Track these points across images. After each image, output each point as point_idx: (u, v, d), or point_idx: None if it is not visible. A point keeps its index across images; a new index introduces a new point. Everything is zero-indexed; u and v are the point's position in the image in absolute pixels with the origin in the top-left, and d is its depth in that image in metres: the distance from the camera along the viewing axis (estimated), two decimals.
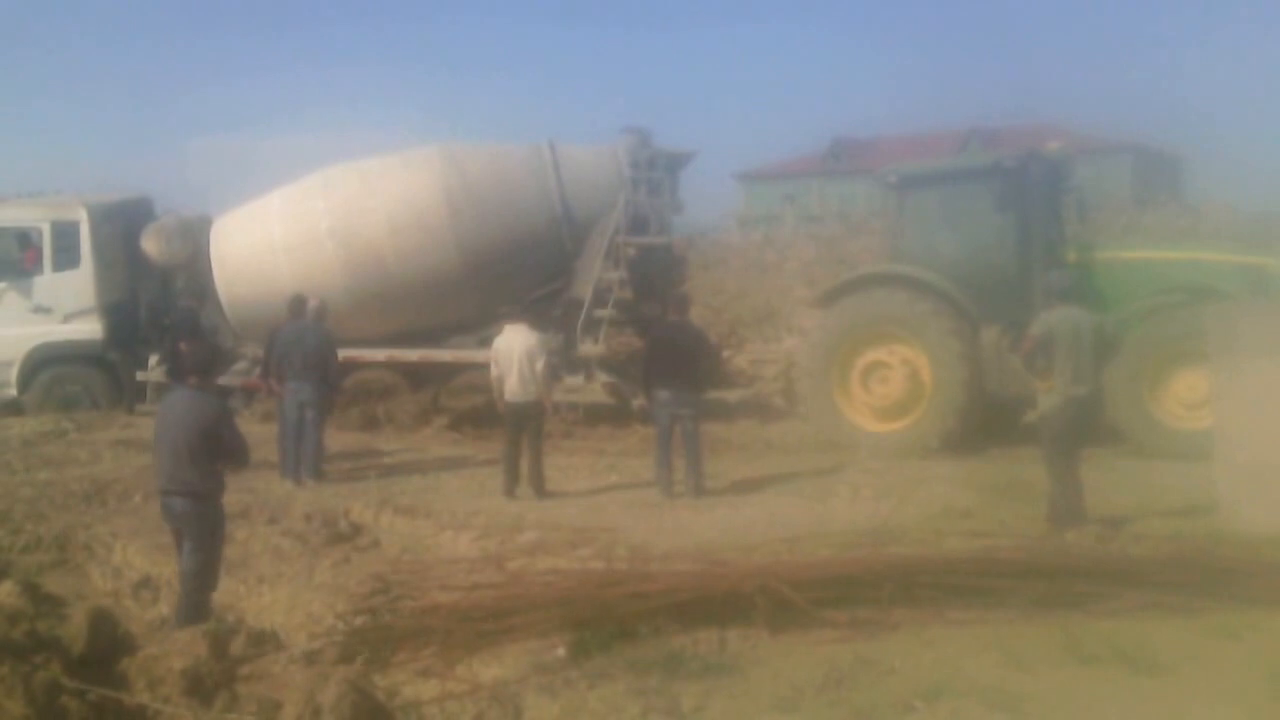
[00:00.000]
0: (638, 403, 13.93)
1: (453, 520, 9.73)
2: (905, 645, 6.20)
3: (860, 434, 12.69)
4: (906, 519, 9.33)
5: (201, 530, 7.01)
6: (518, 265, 14.82)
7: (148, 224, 16.22)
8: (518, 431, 10.84)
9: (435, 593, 7.41)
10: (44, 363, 16.07)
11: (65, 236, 16.02)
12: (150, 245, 15.89)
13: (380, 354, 15.10)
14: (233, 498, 8.13)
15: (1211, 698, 5.44)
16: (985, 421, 12.57)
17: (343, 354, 14.40)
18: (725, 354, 16.47)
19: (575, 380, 14.74)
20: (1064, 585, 6.79)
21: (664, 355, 10.85)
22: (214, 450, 6.92)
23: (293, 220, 14.96)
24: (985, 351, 12.28)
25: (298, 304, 12.27)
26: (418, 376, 15.15)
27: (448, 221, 14.52)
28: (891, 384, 12.63)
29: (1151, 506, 9.08)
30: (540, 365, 10.74)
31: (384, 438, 14.38)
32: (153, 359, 15.79)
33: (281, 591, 7.87)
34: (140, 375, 15.82)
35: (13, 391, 16.12)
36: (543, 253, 15.04)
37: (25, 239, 16.26)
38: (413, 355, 15.00)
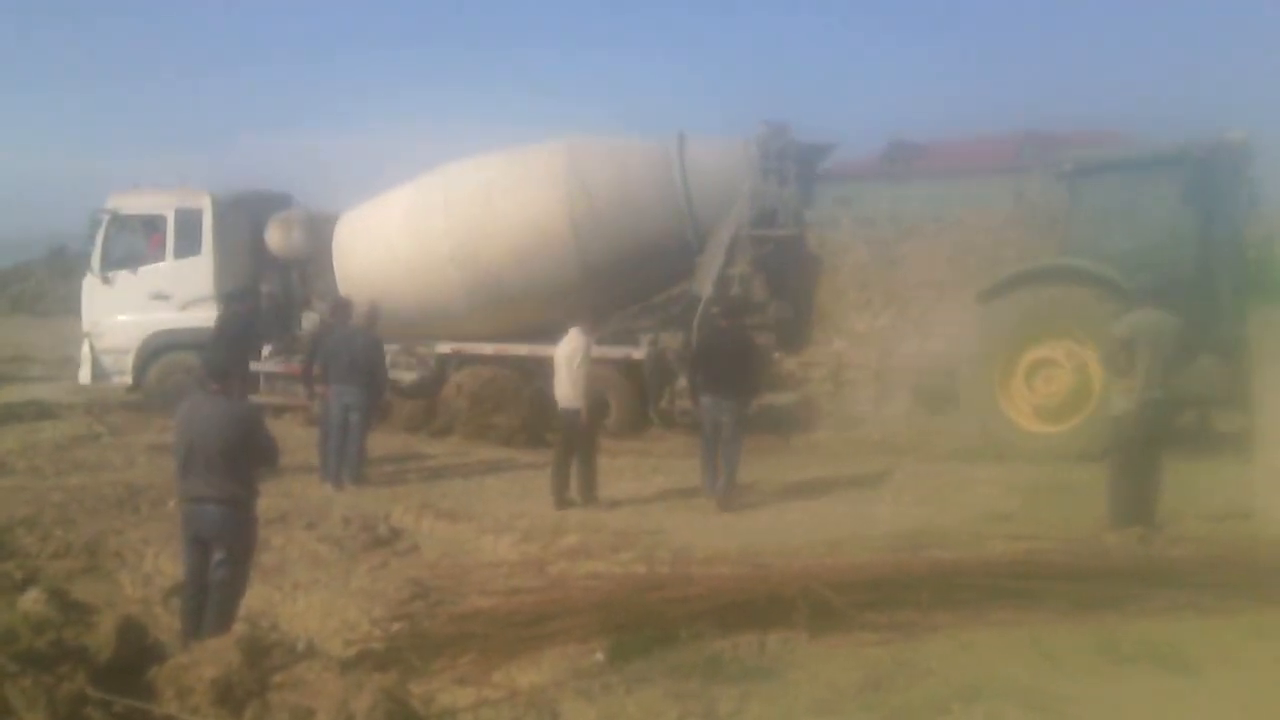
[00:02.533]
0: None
1: (494, 524, 9.74)
2: (943, 647, 6.25)
3: (1019, 434, 12.17)
4: (948, 522, 9.33)
5: (236, 539, 6.80)
6: (641, 268, 14.45)
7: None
8: (568, 437, 10.89)
9: (474, 598, 7.46)
10: (160, 350, 16.18)
11: (188, 225, 16.25)
12: (273, 237, 16.08)
13: (488, 348, 14.95)
14: (270, 502, 8.13)
15: (1245, 698, 5.49)
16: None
17: (449, 347, 14.98)
18: (775, 356, 15.98)
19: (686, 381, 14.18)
20: (1102, 587, 6.84)
21: (711, 360, 10.85)
22: (250, 456, 6.80)
23: (413, 238, 14.78)
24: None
25: (343, 309, 12.47)
26: (526, 372, 14.73)
27: (572, 243, 14.17)
28: (1058, 383, 12.10)
29: (1191, 509, 9.07)
30: (580, 369, 10.73)
31: (431, 441, 14.39)
32: (266, 349, 15.86)
33: (317, 598, 7.86)
34: (254, 366, 15.53)
35: (129, 379, 16.33)
36: (667, 252, 14.49)
37: (151, 227, 16.59)
38: (521, 349, 14.61)
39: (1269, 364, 8.50)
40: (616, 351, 14.12)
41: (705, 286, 14.02)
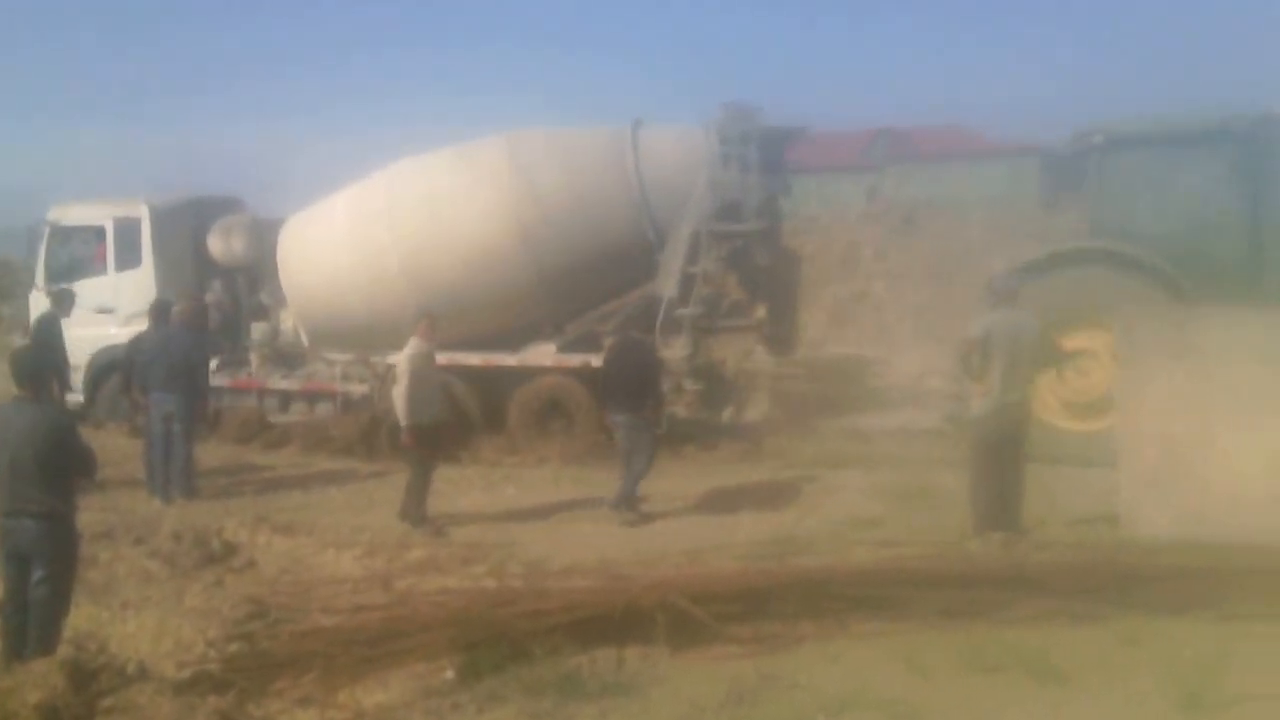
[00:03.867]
0: (727, 414, 13.28)
1: (336, 538, 9.34)
2: (810, 659, 6.07)
3: (1049, 432, 10.98)
4: (814, 529, 9.20)
5: (55, 555, 6.37)
6: (599, 271, 13.44)
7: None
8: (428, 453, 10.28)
9: (316, 616, 7.08)
10: (107, 367, 15.34)
11: (127, 235, 15.60)
12: (214, 245, 15.53)
13: (439, 357, 14.30)
14: (95, 517, 7.70)
15: (1112, 706, 5.39)
16: None
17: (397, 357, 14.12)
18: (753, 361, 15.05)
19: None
20: (969, 594, 6.71)
21: (613, 374, 10.46)
22: (64, 465, 6.37)
23: (360, 251, 13.91)
24: None
25: (160, 310, 11.82)
26: (483, 382, 13.92)
27: (523, 252, 13.28)
28: (1094, 376, 11.30)
29: (1056, 513, 9.07)
30: (404, 382, 10.03)
31: (269, 452, 13.73)
32: (213, 362, 14.85)
33: (148, 617, 7.35)
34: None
35: (80, 397, 15.51)
36: (627, 252, 13.46)
37: (93, 238, 15.91)
38: (474, 359, 13.69)
39: (1128, 366, 8.48)
40: (574, 359, 13.32)
41: (668, 286, 13.14)
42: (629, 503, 10.09)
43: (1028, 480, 8.82)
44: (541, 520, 10.07)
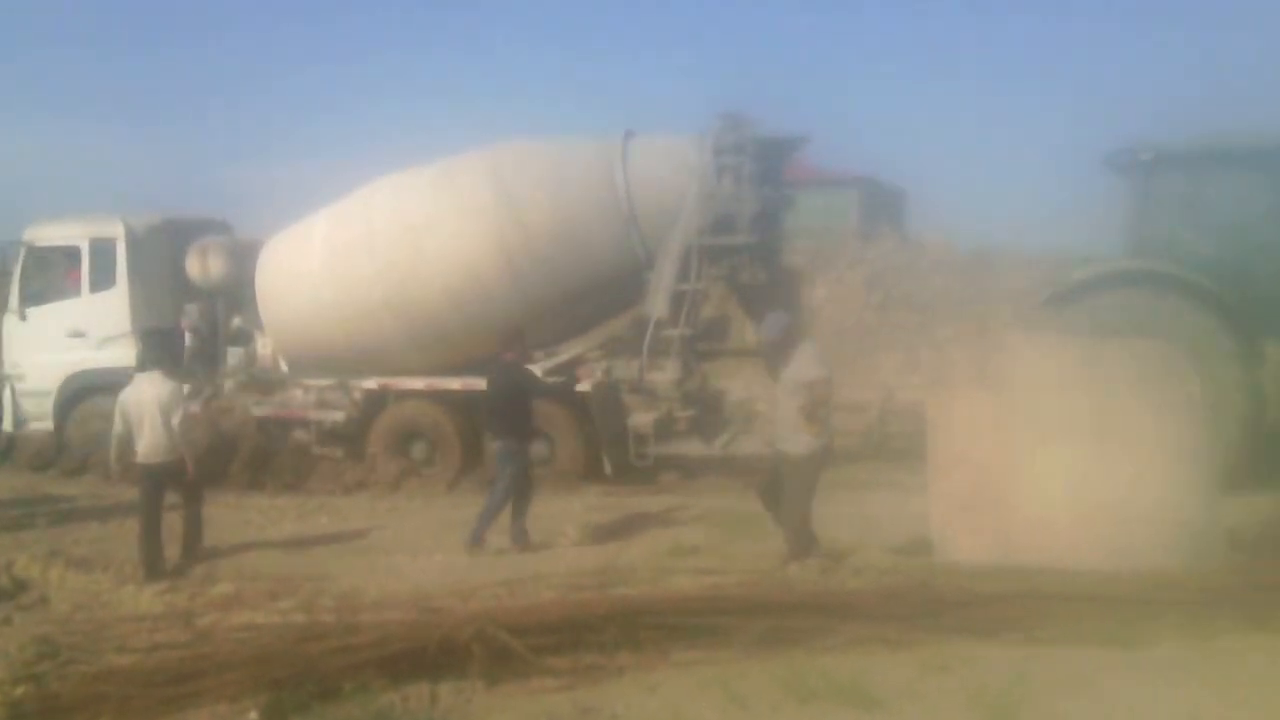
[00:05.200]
0: (720, 444, 12.79)
1: (135, 573, 8.93)
2: (629, 690, 5.96)
3: None
4: (634, 558, 9.15)
5: None
6: (588, 294, 13.05)
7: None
8: (159, 496, 9.61)
9: (111, 655, 6.70)
10: (78, 393, 14.64)
11: (103, 255, 14.90)
12: (192, 266, 14.74)
13: (419, 382, 13.54)
14: None
15: None
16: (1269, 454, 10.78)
17: (377, 382, 13.46)
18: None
19: (645, 417, 12.66)
20: (787, 621, 6.70)
21: (493, 397, 10.13)
22: None
23: (342, 283, 13.39)
24: (1271, 371, 10.89)
25: None
26: (461, 407, 13.48)
27: (509, 281, 12.86)
28: None
29: (870, 539, 9.18)
30: (177, 419, 9.53)
31: (67, 482, 13.08)
32: (185, 388, 14.32)
33: None
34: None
35: (49, 424, 14.76)
36: (616, 273, 13.03)
37: (68, 259, 15.13)
38: (454, 383, 13.30)
39: (937, 394, 8.68)
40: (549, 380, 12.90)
41: (658, 306, 12.62)
42: (475, 535, 9.78)
43: (841, 508, 8.98)
44: (356, 551, 9.81)
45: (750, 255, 12.82)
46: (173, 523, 9.72)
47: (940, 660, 6.22)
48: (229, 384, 14.59)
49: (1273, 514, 8.35)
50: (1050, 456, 7.87)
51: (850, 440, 12.70)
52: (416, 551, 9.67)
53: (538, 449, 11.70)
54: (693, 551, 9.26)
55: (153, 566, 9.23)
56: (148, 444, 9.41)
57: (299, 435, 14.01)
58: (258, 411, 14.10)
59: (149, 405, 9.40)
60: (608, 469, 12.75)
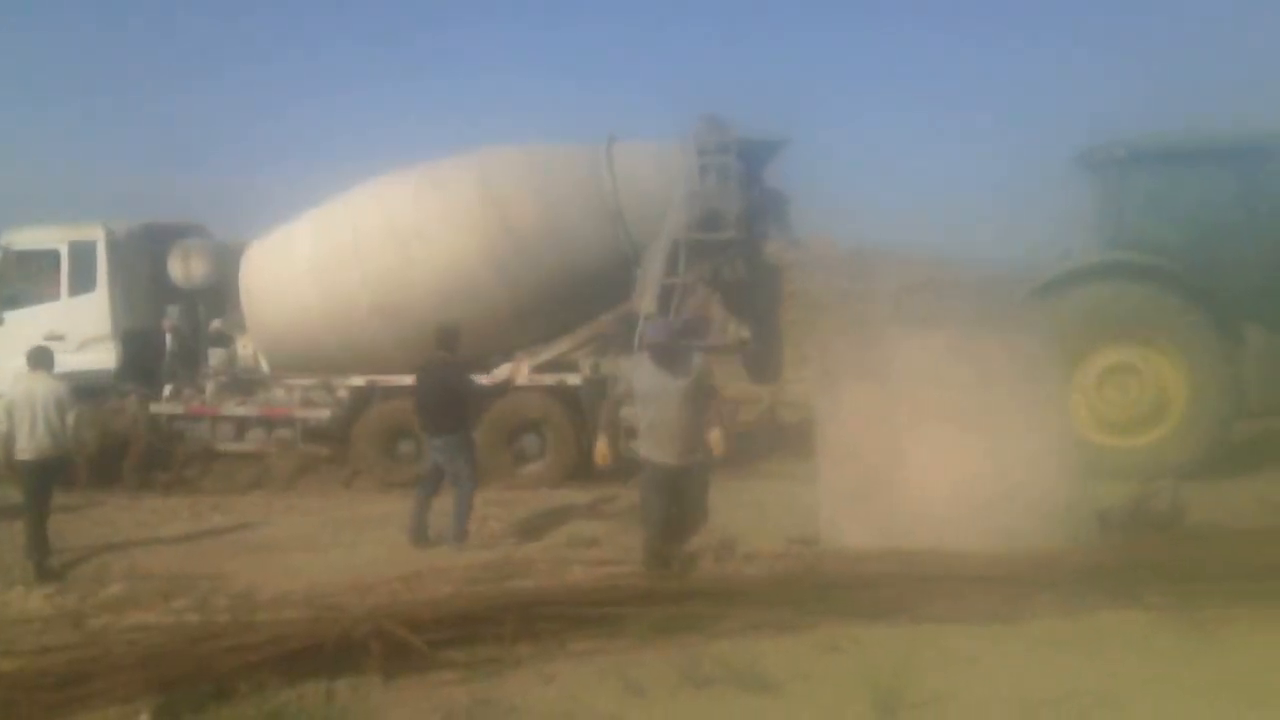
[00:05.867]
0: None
1: (24, 574, 8.74)
2: (526, 681, 6.03)
3: (1085, 447, 10.35)
4: (532, 551, 9.21)
5: None
6: (577, 294, 13.01)
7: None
8: (45, 495, 9.44)
9: None
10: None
11: (82, 259, 14.63)
12: (174, 268, 14.57)
13: (407, 378, 12.72)
14: None
15: (815, 711, 5.57)
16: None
17: (364, 379, 13.24)
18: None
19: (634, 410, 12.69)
20: (682, 609, 6.83)
21: (422, 395, 10.08)
22: None
23: (329, 292, 13.14)
24: (1253, 359, 11.07)
25: None
26: None
27: (498, 286, 12.74)
28: (1133, 392, 11.23)
29: (763, 527, 9.35)
30: (71, 418, 9.40)
31: None
32: (167, 389, 14.28)
33: None
34: (154, 407, 14.18)
35: None
36: (605, 273, 13.06)
37: (47, 263, 14.79)
38: None
39: (825, 387, 8.83)
40: (550, 378, 12.88)
41: (645, 302, 12.65)
42: (458, 534, 9.71)
43: (734, 495, 9.12)
44: (251, 550, 9.67)
45: (735, 251, 13.12)
46: (59, 524, 9.50)
47: (831, 642, 6.40)
48: (211, 385, 14.44)
49: (1140, 494, 8.68)
50: (932, 445, 8.11)
51: (743, 431, 12.88)
52: (314, 549, 9.61)
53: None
54: (590, 543, 9.34)
55: (42, 567, 9.05)
56: (33, 441, 9.21)
57: (283, 434, 13.91)
58: (240, 411, 14.03)
59: (39, 403, 9.23)
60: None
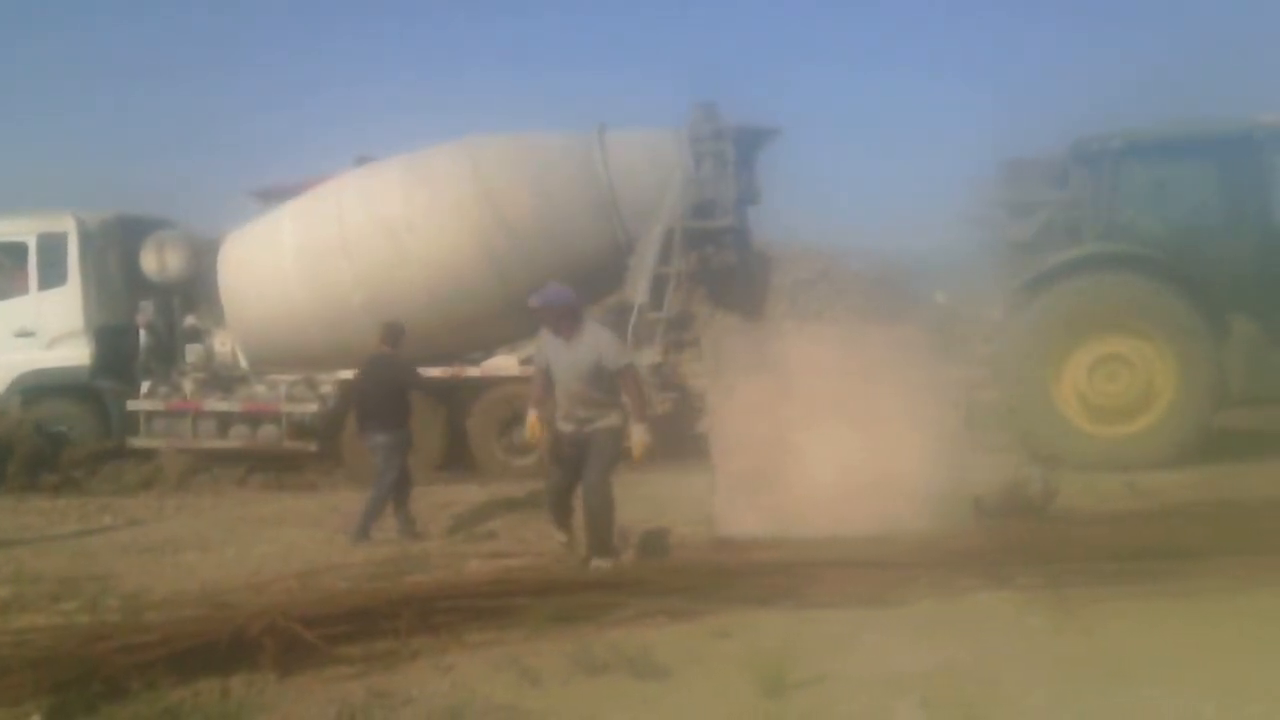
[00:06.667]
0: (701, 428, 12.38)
1: None
2: (422, 674, 6.08)
3: (1077, 436, 11.30)
4: (429, 545, 9.27)
5: None
6: (570, 282, 12.48)
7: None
8: None
9: None
10: (28, 397, 13.83)
11: (52, 251, 14.12)
12: (147, 261, 14.12)
13: None
14: None
15: (706, 695, 5.72)
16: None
17: (354, 372, 12.42)
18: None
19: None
20: (577, 599, 6.94)
21: (363, 390, 10.07)
22: None
23: (318, 288, 12.92)
24: (1238, 348, 11.23)
25: None
26: (443, 395, 13.07)
27: (494, 281, 12.66)
28: (1122, 382, 11.33)
29: (658, 517, 9.54)
30: None
31: None
32: (145, 385, 13.88)
33: None
34: (131, 404, 13.79)
35: None
36: (601, 263, 13.07)
37: (13, 256, 14.26)
38: (434, 371, 12.58)
39: (717, 377, 9.03)
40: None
41: (639, 291, 12.68)
42: (361, 530, 9.68)
43: (628, 487, 9.23)
44: (143, 550, 9.55)
45: (730, 239, 13.23)
46: None
47: (722, 628, 6.56)
48: (188, 382, 14.17)
49: (1013, 479, 9.02)
50: (819, 435, 8.37)
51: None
52: (207, 548, 9.53)
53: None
54: (488, 536, 9.43)
55: None
56: None
57: (268, 430, 13.76)
58: (222, 407, 13.82)
59: None
60: None
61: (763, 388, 8.63)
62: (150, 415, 13.97)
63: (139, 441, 13.82)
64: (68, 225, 14.39)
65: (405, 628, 6.47)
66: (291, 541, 9.71)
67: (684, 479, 10.58)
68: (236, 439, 13.81)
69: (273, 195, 14.90)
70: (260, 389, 13.97)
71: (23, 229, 14.47)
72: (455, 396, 13.22)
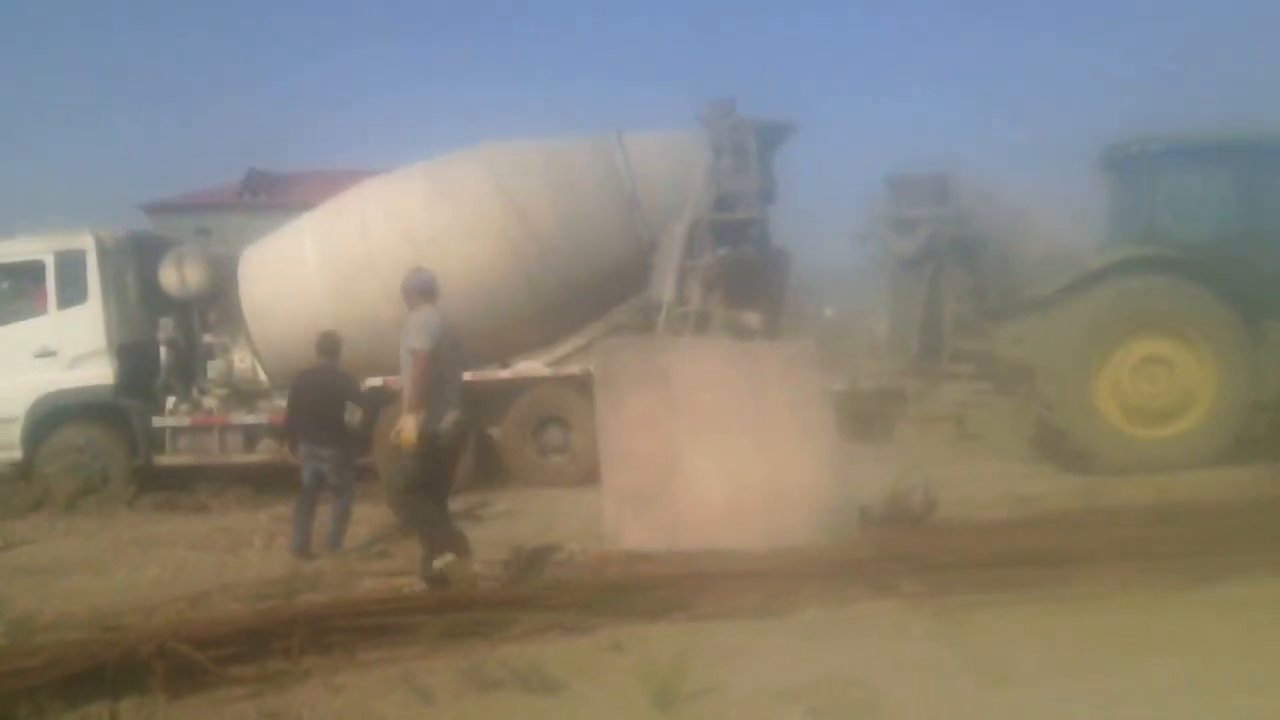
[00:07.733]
0: None
1: None
2: (314, 693, 6.08)
3: (1117, 438, 11.35)
4: (322, 564, 9.21)
5: None
6: (600, 286, 12.96)
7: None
8: None
9: None
10: (48, 418, 13.27)
11: (71, 270, 13.59)
12: (167, 276, 13.75)
13: None
14: None
15: (598, 709, 5.82)
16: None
17: (381, 379, 12.62)
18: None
19: None
20: (469, 616, 7.00)
21: (304, 402, 9.96)
22: None
23: (346, 303, 12.73)
24: (1274, 351, 11.37)
25: None
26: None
27: (520, 280, 12.60)
28: (1161, 384, 11.41)
29: (549, 533, 9.62)
30: None
31: None
32: (170, 401, 13.49)
33: None
34: (157, 421, 13.39)
35: (18, 454, 13.22)
36: (626, 264, 13.04)
37: (31, 275, 13.71)
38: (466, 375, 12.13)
39: (606, 392, 9.11)
40: (573, 367, 12.71)
41: (665, 289, 12.60)
42: (336, 541, 9.73)
43: (530, 504, 9.32)
44: (30, 573, 9.37)
45: (754, 230, 13.25)
46: None
47: (613, 641, 6.67)
48: (209, 398, 13.93)
49: (896, 490, 9.29)
50: (708, 448, 8.55)
51: None
52: (96, 571, 9.37)
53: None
54: (381, 555, 9.42)
55: None
56: None
57: None
58: (249, 420, 13.61)
59: None
60: None
61: (651, 402, 8.79)
62: (176, 432, 13.69)
63: (165, 459, 13.57)
64: (86, 243, 13.98)
65: (297, 647, 6.47)
66: (182, 563, 9.60)
67: (574, 494, 10.68)
68: (265, 452, 13.56)
69: (161, 210, 14.82)
70: (283, 402, 13.80)
71: (40, 247, 14.05)
72: (483, 404, 12.95)
